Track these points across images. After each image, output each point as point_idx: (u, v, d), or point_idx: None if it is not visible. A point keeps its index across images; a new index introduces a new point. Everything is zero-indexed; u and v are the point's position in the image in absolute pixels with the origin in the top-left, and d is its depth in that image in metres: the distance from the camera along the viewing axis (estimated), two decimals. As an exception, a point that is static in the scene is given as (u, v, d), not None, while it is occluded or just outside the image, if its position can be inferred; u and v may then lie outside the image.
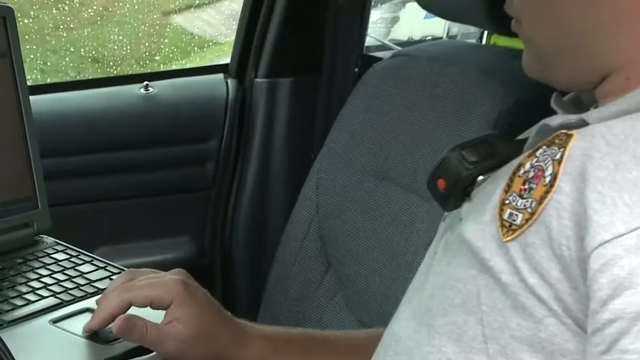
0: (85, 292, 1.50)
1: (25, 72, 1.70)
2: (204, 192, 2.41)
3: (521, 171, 1.01)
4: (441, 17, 2.28)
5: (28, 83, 1.72)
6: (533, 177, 0.99)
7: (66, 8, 5.24)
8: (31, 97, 1.71)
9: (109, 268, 1.60)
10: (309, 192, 1.99)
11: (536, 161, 1.00)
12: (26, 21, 4.88)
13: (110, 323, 1.32)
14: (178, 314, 1.30)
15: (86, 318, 1.41)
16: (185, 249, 2.32)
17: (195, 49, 5.40)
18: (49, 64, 4.92)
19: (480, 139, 1.18)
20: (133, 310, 1.32)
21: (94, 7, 5.39)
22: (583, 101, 1.14)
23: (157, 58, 5.22)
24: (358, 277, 1.82)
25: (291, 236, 2.01)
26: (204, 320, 1.31)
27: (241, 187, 2.42)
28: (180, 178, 2.39)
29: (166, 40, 5.48)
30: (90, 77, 3.79)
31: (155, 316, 1.31)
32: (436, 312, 1.05)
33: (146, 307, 1.32)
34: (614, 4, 1.02)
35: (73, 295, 1.49)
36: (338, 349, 1.42)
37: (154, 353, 1.32)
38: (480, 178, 1.13)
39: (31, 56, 4.61)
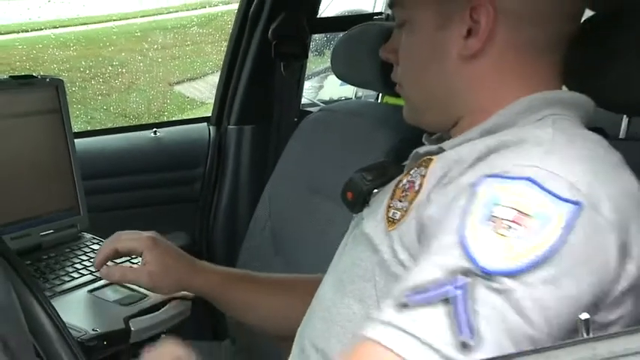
0: (112, 271, 1.47)
1: (72, 123, 1.68)
2: (194, 203, 2.38)
3: (400, 184, 1.02)
4: (351, 85, 2.28)
5: (75, 130, 1.70)
6: (408, 188, 0.99)
7: (101, 80, 5.20)
8: (75, 140, 1.69)
9: (128, 254, 1.57)
10: (264, 202, 1.98)
11: (410, 177, 1.01)
12: (74, 89, 4.84)
13: (104, 263, 1.38)
14: (148, 258, 1.32)
15: (113, 288, 1.39)
16: (181, 240, 2.29)
17: (189, 107, 5.38)
18: (89, 117, 4.88)
19: (374, 165, 1.19)
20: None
21: (120, 79, 5.36)
22: (444, 138, 1.14)
23: (166, 114, 5.21)
24: (297, 259, 1.81)
25: (252, 233, 2.00)
26: (166, 260, 1.33)
27: (219, 200, 2.39)
28: (177, 193, 2.36)
29: (169, 101, 5.45)
30: (118, 126, 3.74)
31: None
32: (347, 282, 1.05)
33: (127, 252, 1.38)
34: (465, 75, 1.02)
35: (104, 273, 1.46)
36: (270, 283, 1.41)
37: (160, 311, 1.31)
38: (375, 190, 1.13)
39: (77, 113, 4.57)
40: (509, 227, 0.81)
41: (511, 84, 1.00)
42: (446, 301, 0.79)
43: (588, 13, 1.14)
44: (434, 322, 0.79)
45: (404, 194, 1.00)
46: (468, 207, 0.85)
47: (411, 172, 1.02)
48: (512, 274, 0.79)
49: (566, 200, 0.82)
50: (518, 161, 0.87)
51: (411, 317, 0.80)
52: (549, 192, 0.82)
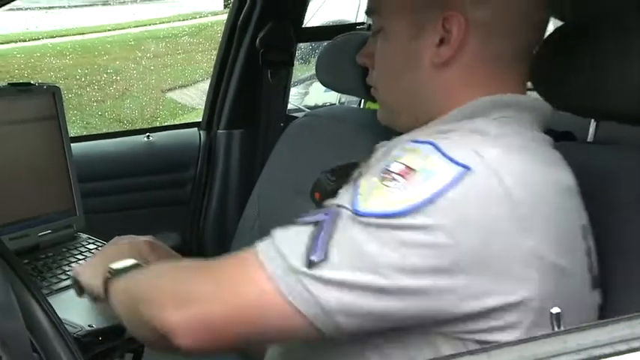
0: (107, 269, 1.46)
1: (69, 129, 1.67)
2: (185, 204, 2.37)
3: (351, 178, 1.07)
4: (335, 91, 2.28)
5: (71, 135, 1.69)
6: (357, 178, 1.02)
7: (96, 87, 5.20)
8: (72, 144, 1.68)
9: (123, 253, 1.56)
10: (253, 202, 1.98)
11: (359, 169, 1.07)
12: (70, 96, 4.83)
13: None
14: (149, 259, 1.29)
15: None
16: (174, 240, 2.28)
17: (180, 112, 5.38)
18: (86, 123, 4.87)
19: (340, 166, 1.21)
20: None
21: (115, 87, 5.36)
22: None
23: (159, 119, 5.20)
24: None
25: (241, 232, 1.99)
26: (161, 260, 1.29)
27: (209, 201, 2.38)
28: (169, 195, 2.35)
29: (162, 107, 5.45)
30: (113, 131, 3.73)
31: None
32: None
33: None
34: (437, 82, 1.02)
35: (99, 272, 1.45)
36: None
37: None
38: (340, 190, 1.14)
39: (73, 119, 4.56)
40: (394, 179, 0.85)
41: (479, 90, 1.00)
42: (316, 224, 0.87)
43: (557, 22, 1.15)
44: (298, 238, 0.88)
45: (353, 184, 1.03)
46: (377, 164, 0.91)
47: (361, 165, 1.06)
48: (381, 216, 0.84)
49: (458, 163, 0.85)
50: (438, 135, 0.91)
51: (286, 233, 0.91)
52: (445, 155, 0.86)
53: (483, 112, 0.98)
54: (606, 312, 0.97)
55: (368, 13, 1.10)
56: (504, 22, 0.99)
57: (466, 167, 0.84)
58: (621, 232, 1.01)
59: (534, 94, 1.12)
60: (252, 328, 0.89)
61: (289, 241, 0.88)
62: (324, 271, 0.84)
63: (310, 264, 0.85)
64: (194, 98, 5.50)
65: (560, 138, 1.29)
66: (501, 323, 0.85)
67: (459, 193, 0.83)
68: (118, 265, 1.11)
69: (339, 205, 0.88)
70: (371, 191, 0.86)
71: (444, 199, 0.82)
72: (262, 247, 0.90)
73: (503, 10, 0.99)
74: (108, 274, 1.10)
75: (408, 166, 0.86)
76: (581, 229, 0.93)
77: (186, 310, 0.90)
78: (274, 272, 0.86)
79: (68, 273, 1.43)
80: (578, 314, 0.87)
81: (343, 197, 0.89)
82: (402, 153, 0.89)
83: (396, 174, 0.85)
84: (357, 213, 0.85)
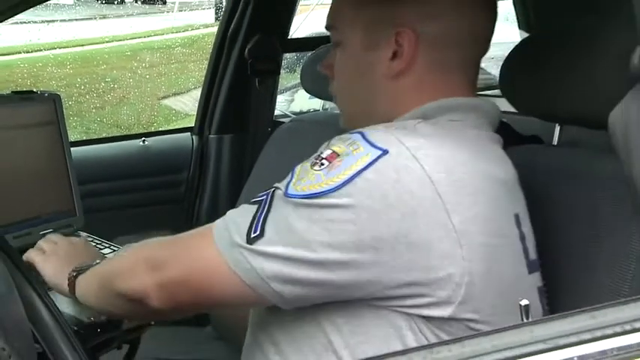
0: (105, 265, 1.45)
1: (71, 134, 1.65)
2: (179, 204, 2.36)
3: None
4: (318, 98, 2.28)
5: (71, 140, 1.68)
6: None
7: (95, 95, 5.19)
8: (72, 148, 1.66)
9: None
10: (242, 203, 1.97)
11: None
12: (71, 103, 4.82)
13: None
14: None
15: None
16: (168, 238, 2.27)
17: (175, 118, 5.37)
18: (86, 128, 4.86)
19: None
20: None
21: (113, 94, 5.35)
22: None
23: (154, 124, 5.20)
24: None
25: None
26: None
27: (201, 201, 2.37)
28: (164, 195, 2.33)
29: (157, 114, 5.44)
30: (111, 136, 3.72)
31: None
32: None
33: None
34: (390, 90, 1.02)
35: (98, 268, 1.44)
36: None
37: None
38: None
39: (74, 124, 4.55)
40: (322, 164, 0.89)
41: (428, 96, 1.00)
42: (259, 203, 0.92)
43: (524, 34, 1.16)
44: (243, 216, 0.92)
45: None
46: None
47: None
48: (307, 197, 0.87)
49: (377, 147, 0.87)
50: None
51: (237, 212, 0.95)
52: (367, 141, 0.88)
53: (431, 115, 0.97)
54: (555, 304, 1.00)
55: (327, 28, 1.10)
56: (452, 36, 0.99)
57: (384, 150, 0.86)
58: (567, 229, 1.03)
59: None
60: (206, 292, 0.94)
61: (236, 219, 0.93)
62: (260, 246, 0.88)
63: (250, 239, 0.89)
64: (187, 105, 5.50)
65: (528, 141, 1.30)
66: (435, 299, 0.87)
67: (376, 172, 0.85)
68: (83, 264, 1.16)
69: (276, 187, 0.92)
70: (302, 175, 0.90)
71: (362, 179, 0.85)
72: (217, 223, 0.95)
73: (451, 25, 0.99)
74: (74, 273, 1.15)
75: (334, 152, 0.89)
76: (514, 218, 0.94)
77: (156, 273, 0.96)
78: (222, 246, 0.91)
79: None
80: (515, 294, 0.86)
81: (283, 181, 0.92)
82: (334, 142, 0.92)
83: (324, 159, 0.89)
84: (287, 194, 0.89)
